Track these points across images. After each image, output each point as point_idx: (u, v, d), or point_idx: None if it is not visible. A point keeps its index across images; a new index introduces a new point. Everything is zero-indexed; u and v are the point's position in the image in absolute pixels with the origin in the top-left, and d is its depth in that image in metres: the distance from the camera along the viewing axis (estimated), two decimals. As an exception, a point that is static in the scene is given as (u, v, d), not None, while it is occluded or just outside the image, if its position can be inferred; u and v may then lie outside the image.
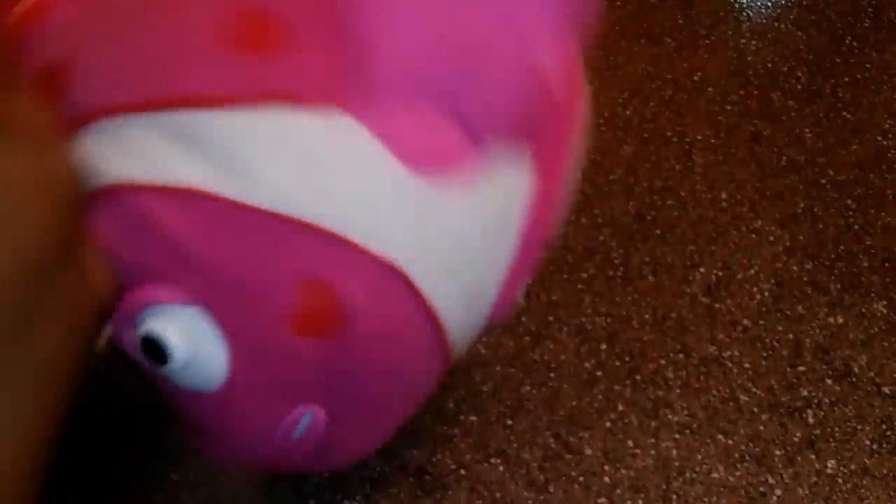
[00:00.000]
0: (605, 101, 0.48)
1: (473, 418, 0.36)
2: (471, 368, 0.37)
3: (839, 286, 0.37)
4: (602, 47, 0.51)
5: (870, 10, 0.50)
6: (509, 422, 0.35)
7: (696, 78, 0.48)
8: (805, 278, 0.37)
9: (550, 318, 0.38)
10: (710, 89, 0.47)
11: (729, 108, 0.46)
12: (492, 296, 0.23)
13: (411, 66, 0.20)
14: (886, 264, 0.37)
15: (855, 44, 0.48)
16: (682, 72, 0.48)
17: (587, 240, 0.41)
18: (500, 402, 0.36)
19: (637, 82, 0.49)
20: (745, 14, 0.51)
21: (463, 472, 0.34)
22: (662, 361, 0.36)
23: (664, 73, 0.49)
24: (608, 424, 0.34)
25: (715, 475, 0.32)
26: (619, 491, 0.32)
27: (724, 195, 0.42)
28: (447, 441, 0.35)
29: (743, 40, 0.50)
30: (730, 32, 0.50)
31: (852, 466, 0.32)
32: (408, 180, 0.20)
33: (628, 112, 0.47)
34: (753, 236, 0.40)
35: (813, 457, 0.32)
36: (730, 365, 0.35)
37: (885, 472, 0.31)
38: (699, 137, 0.45)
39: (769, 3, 0.52)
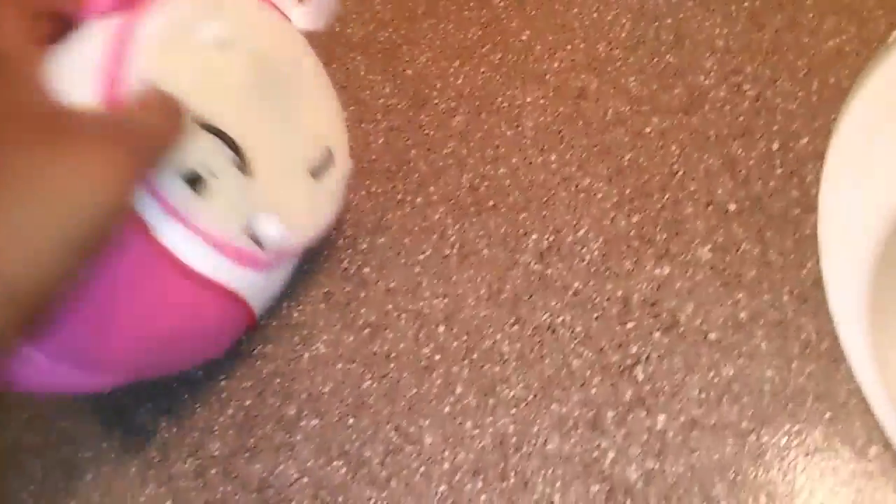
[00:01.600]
0: (438, 72, 0.47)
1: (315, 422, 0.35)
2: (311, 371, 0.36)
3: (665, 236, 0.37)
4: (432, 14, 0.50)
5: (690, -55, 0.49)
6: (351, 421, 0.35)
7: (524, 37, 0.47)
8: (632, 232, 0.37)
9: (389, 307, 0.38)
10: (537, 47, 0.46)
11: (556, 65, 0.45)
12: None
13: None
14: (710, 207, 0.37)
15: (677, -18, 0.47)
16: (510, 32, 0.48)
17: (423, 219, 0.40)
18: (342, 402, 0.35)
19: (468, 48, 0.48)
20: (570, -36, 0.51)
21: (306, 479, 0.34)
22: (498, 336, 0.36)
23: (494, 36, 0.48)
24: (447, 409, 0.34)
25: (550, 446, 0.32)
26: (458, 476, 0.32)
27: (553, 157, 0.41)
28: (289, 450, 0.34)
29: (568, -8, 0.49)
30: (554, -15, 0.49)
31: (682, 419, 0.32)
32: None
33: (459, 81, 0.46)
34: (582, 195, 0.39)
35: (643, 414, 0.32)
36: (562, 331, 0.35)
37: (713, 421, 0.32)
38: (528, 100, 0.44)
39: (593, -50, 0.51)
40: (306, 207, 0.36)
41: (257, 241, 0.32)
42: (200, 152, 0.30)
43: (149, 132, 0.28)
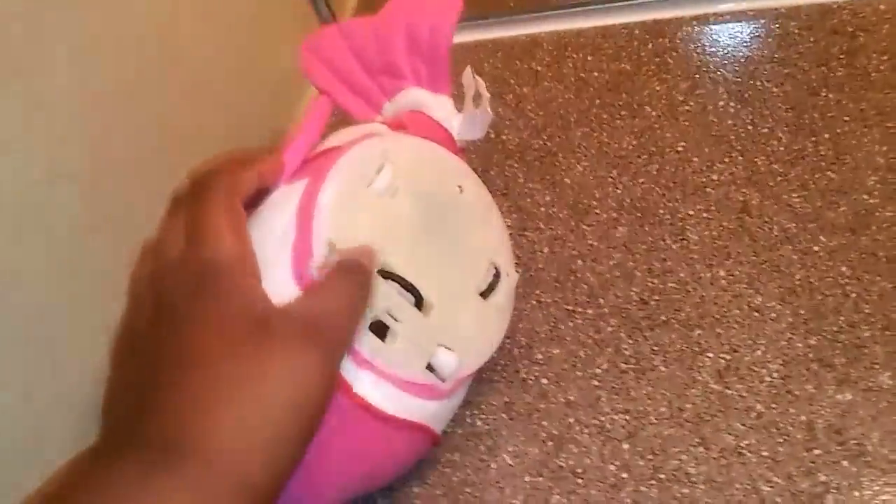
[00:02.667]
0: (595, 181, 0.49)
1: (509, 535, 0.37)
2: (499, 482, 0.39)
3: (844, 360, 0.38)
4: (585, 123, 0.53)
5: (841, 57, 0.51)
6: (544, 536, 0.36)
7: (679, 148, 0.49)
8: (810, 355, 0.39)
9: (571, 420, 0.40)
10: (694, 160, 0.48)
11: (715, 178, 0.47)
12: None
13: None
14: (888, 332, 0.38)
15: (831, 95, 0.49)
16: (665, 143, 0.50)
17: (596, 332, 0.42)
18: (533, 515, 0.37)
19: (623, 157, 0.50)
20: (719, 74, 0.52)
21: (506, 593, 0.35)
22: (684, 457, 0.37)
23: (648, 146, 0.50)
24: (639, 529, 0.36)
25: (747, 573, 0.33)
26: None
27: (721, 273, 0.43)
28: (487, 562, 0.36)
29: (721, 103, 0.51)
30: (707, 96, 0.51)
31: (878, 550, 0.33)
32: None
33: (619, 190, 0.48)
34: (756, 314, 0.41)
35: (839, 544, 0.33)
36: (748, 454, 0.36)
37: (910, 551, 0.32)
38: (690, 213, 0.46)
39: (742, 60, 0.53)
40: (479, 330, 0.38)
41: (436, 372, 0.35)
42: (382, 300, 0.32)
43: (340, 318, 0.30)
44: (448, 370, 0.35)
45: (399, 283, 0.33)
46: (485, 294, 0.37)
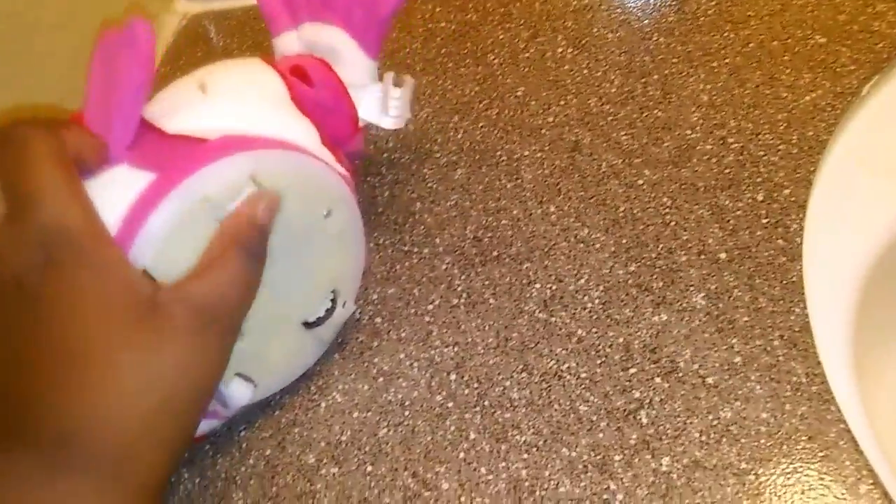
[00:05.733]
0: (438, 126, 0.49)
1: (335, 470, 0.36)
2: (328, 419, 0.38)
3: (661, 284, 0.39)
4: (430, 72, 0.52)
5: (673, 3, 0.52)
6: (369, 468, 0.36)
7: (519, 93, 0.50)
8: (630, 280, 0.40)
9: (402, 356, 0.40)
10: (532, 103, 0.49)
11: (551, 119, 0.48)
12: None
13: None
14: (702, 256, 0.40)
15: (661, 39, 0.50)
16: (506, 88, 0.50)
17: (431, 270, 0.42)
18: (360, 450, 0.37)
19: (466, 104, 0.50)
20: (559, 22, 0.53)
21: (328, 526, 0.35)
22: (508, 383, 0.37)
23: (490, 92, 0.50)
24: (462, 455, 0.36)
25: (562, 489, 0.34)
26: (475, 520, 0.34)
27: (552, 208, 0.43)
28: (310, 498, 0.36)
29: (559, 49, 0.51)
30: (547, 43, 0.52)
31: (685, 461, 0.34)
32: None
33: (459, 135, 0.48)
34: (581, 245, 0.42)
35: (649, 457, 0.34)
36: (568, 377, 0.37)
37: (714, 462, 0.34)
38: (525, 153, 0.46)
39: (581, 9, 0.54)
40: (288, 360, 0.37)
41: (222, 400, 0.33)
42: None
43: (235, 304, 0.28)
44: (236, 402, 0.33)
45: None
46: (312, 324, 0.37)
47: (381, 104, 0.39)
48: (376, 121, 0.39)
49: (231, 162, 0.29)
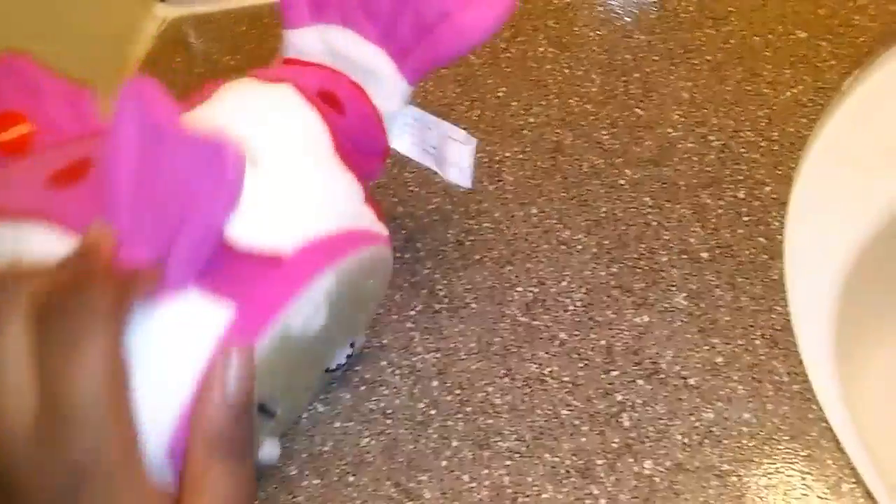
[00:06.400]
0: (418, 129, 0.49)
1: (316, 481, 0.36)
2: (310, 430, 0.38)
3: (643, 285, 0.39)
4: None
5: (654, 1, 0.52)
6: (351, 478, 0.36)
7: (500, 94, 0.49)
8: (612, 282, 0.39)
9: (383, 363, 0.39)
10: (513, 104, 0.48)
11: (532, 120, 0.47)
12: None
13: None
14: (684, 256, 0.40)
15: (643, 37, 0.50)
16: (487, 89, 0.50)
17: (412, 275, 0.42)
18: (342, 460, 0.37)
19: (447, 105, 0.50)
20: (540, 21, 0.53)
21: (311, 538, 0.35)
22: (490, 388, 0.37)
23: (471, 93, 0.50)
24: (444, 463, 0.35)
25: (545, 495, 0.34)
26: (458, 528, 0.34)
27: (534, 210, 0.43)
28: (293, 509, 0.36)
29: (540, 49, 0.51)
30: (528, 42, 0.52)
31: (667, 464, 0.34)
32: None
33: (440, 138, 0.48)
34: (563, 247, 0.41)
35: (631, 460, 0.34)
36: (551, 381, 0.37)
37: (696, 464, 0.33)
38: (507, 154, 0.46)
39: (563, 8, 0.53)
40: (307, 400, 0.38)
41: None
42: None
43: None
44: (267, 462, 0.31)
45: (264, 413, 0.29)
46: (333, 370, 0.37)
47: (417, 137, 0.36)
48: (437, 169, 0.37)
49: (312, 288, 0.26)
